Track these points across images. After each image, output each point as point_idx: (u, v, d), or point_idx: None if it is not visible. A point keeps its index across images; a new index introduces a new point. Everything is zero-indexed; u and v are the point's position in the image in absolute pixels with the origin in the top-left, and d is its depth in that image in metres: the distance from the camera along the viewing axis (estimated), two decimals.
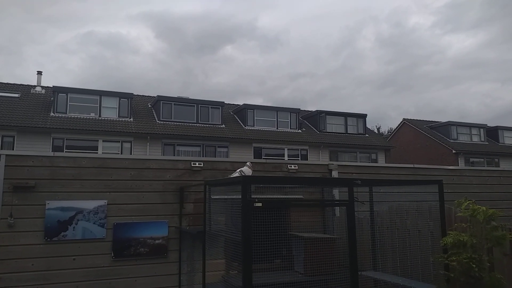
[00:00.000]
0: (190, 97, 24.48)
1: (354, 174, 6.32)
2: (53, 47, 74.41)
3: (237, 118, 25.30)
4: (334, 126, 26.59)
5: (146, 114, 22.89)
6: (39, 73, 24.11)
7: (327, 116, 26.55)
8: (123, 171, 5.24)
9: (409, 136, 31.91)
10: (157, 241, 5.24)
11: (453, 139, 29.29)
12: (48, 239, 4.79)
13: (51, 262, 4.77)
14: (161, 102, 22.61)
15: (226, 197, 4.40)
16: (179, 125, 22.26)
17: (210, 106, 23.68)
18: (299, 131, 25.40)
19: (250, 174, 5.05)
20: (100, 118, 20.93)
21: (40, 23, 75.64)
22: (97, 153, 19.23)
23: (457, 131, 29.84)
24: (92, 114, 20.94)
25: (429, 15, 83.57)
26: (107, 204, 5.09)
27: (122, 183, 5.21)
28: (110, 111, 21.39)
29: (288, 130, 25.06)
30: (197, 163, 5.60)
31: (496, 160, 29.44)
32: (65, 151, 18.42)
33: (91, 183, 5.08)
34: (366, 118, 28.02)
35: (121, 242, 5.08)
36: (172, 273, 5.27)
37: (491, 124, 32.50)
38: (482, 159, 28.95)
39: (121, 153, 20.11)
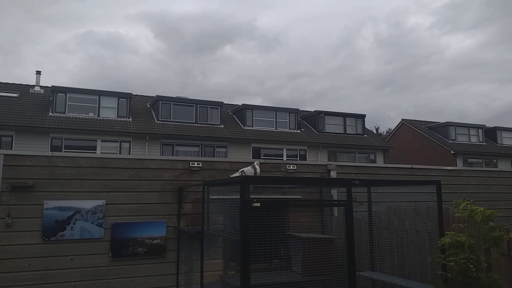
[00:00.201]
0: (189, 97, 24.49)
1: (352, 174, 6.33)
2: (52, 47, 74.41)
3: (236, 118, 25.30)
4: (332, 126, 26.62)
5: (145, 114, 22.88)
6: (38, 72, 24.10)
7: (325, 116, 26.56)
8: (121, 171, 5.24)
9: (407, 137, 31.96)
10: (155, 241, 5.24)
11: (451, 140, 29.34)
12: (46, 239, 4.78)
13: (49, 262, 4.76)
14: (160, 102, 22.60)
15: (224, 197, 4.40)
16: (178, 125, 22.25)
17: (209, 106, 23.68)
18: (298, 131, 25.41)
19: (253, 174, 5.01)
20: (98, 118, 20.91)
21: (39, 23, 75.63)
22: (95, 153, 19.21)
23: (456, 132, 29.90)
24: (91, 114, 20.91)
25: (428, 15, 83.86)
26: (106, 204, 5.08)
27: (120, 183, 5.21)
28: (108, 111, 21.37)
29: (287, 130, 25.07)
30: (195, 163, 5.60)
31: (494, 160, 29.49)
32: (64, 151, 18.38)
33: (90, 183, 5.07)
34: (365, 119, 28.07)
35: (119, 242, 5.07)
36: (170, 273, 5.26)
37: (489, 124, 32.62)
38: (480, 160, 29.01)
39: (120, 153, 20.10)
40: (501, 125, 33.01)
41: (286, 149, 24.05)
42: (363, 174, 6.39)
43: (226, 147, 22.68)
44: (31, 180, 4.79)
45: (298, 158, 23.87)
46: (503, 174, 7.69)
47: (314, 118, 26.71)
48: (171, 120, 22.46)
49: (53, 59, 74.34)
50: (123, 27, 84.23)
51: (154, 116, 22.74)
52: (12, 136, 18.81)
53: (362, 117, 27.83)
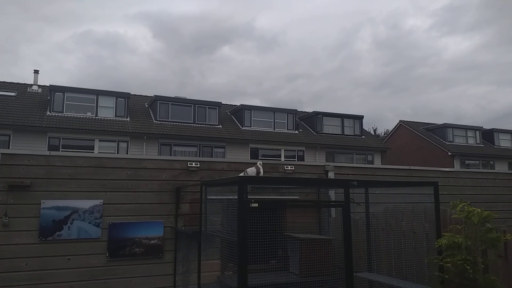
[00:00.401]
0: (187, 97, 24.47)
1: (350, 175, 6.34)
2: (50, 46, 74.22)
3: (234, 118, 25.30)
4: (330, 127, 26.66)
5: (143, 114, 22.85)
6: (36, 72, 24.02)
7: (323, 117, 26.60)
8: (119, 171, 5.23)
9: (405, 138, 32.03)
10: (152, 241, 5.23)
11: (449, 141, 29.43)
12: (43, 239, 4.77)
13: (46, 261, 4.75)
14: (158, 102, 22.58)
15: (222, 197, 4.40)
16: (176, 125, 22.23)
17: (207, 106, 23.67)
18: (296, 132, 25.43)
19: (255, 174, 5.00)
20: (96, 117, 20.87)
21: (37, 22, 75.42)
22: (93, 152, 19.16)
23: (453, 133, 30.00)
24: (89, 114, 20.87)
25: (426, 17, 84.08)
26: (103, 203, 5.07)
27: (118, 182, 5.20)
28: (106, 111, 21.33)
29: (285, 131, 25.08)
30: (193, 163, 5.60)
31: (492, 162, 29.60)
32: (61, 150, 18.32)
33: (87, 182, 5.06)
34: (363, 120, 28.12)
35: (116, 242, 5.06)
36: (167, 273, 5.25)
37: (486, 126, 32.77)
38: (478, 162, 29.10)
39: (118, 153, 20.06)
40: (498, 127, 33.19)
41: (284, 150, 24.06)
42: (361, 175, 6.41)
43: (224, 147, 22.67)
44: (29, 179, 4.78)
45: (296, 159, 23.88)
46: (500, 175, 7.71)
47: (312, 119, 26.74)
48: (169, 120, 22.44)
49: (51, 58, 74.23)
50: (122, 27, 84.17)
51: (152, 116, 22.72)
52: (9, 135, 18.75)
53: (360, 118, 27.88)
